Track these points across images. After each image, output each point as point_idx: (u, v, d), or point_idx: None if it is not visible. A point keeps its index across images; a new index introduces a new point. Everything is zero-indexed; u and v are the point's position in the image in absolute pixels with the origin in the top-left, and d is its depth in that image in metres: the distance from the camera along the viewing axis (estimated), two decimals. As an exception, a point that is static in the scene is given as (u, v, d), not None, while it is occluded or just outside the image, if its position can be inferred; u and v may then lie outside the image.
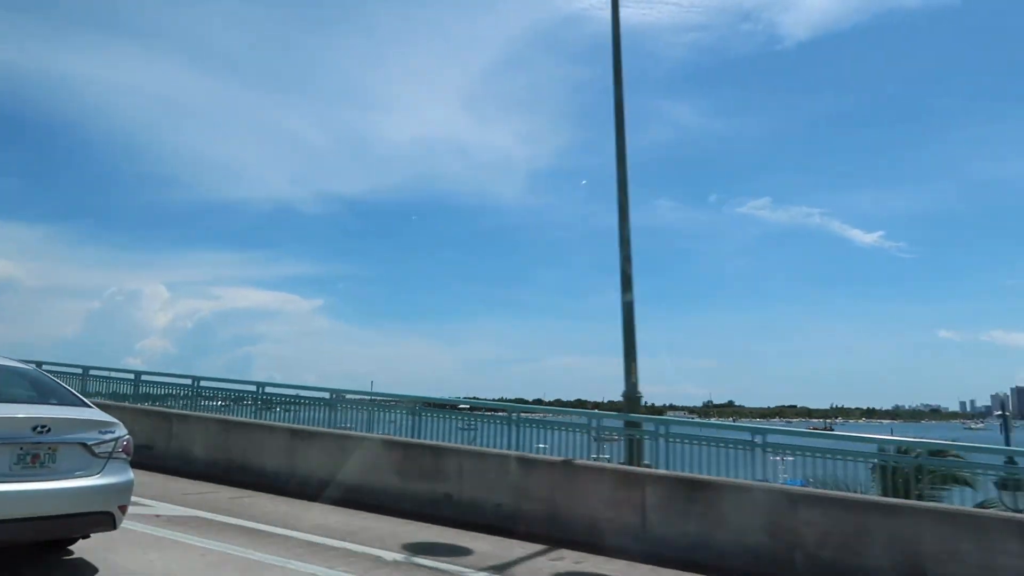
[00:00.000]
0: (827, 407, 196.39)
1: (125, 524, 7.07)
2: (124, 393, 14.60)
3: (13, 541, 5.11)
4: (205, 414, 12.13)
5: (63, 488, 5.07)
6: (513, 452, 9.54)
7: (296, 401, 12.71)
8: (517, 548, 7.75)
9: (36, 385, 5.96)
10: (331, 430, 11.01)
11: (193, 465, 10.95)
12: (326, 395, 12.47)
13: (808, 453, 8.51)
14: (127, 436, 5.70)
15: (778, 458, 8.89)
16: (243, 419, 11.77)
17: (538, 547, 7.84)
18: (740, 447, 8.88)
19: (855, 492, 8.34)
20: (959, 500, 8.94)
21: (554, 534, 8.22)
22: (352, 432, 10.89)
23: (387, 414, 11.73)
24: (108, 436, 5.50)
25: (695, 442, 9.16)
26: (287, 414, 12.73)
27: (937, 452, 9.52)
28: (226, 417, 11.82)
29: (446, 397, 13.47)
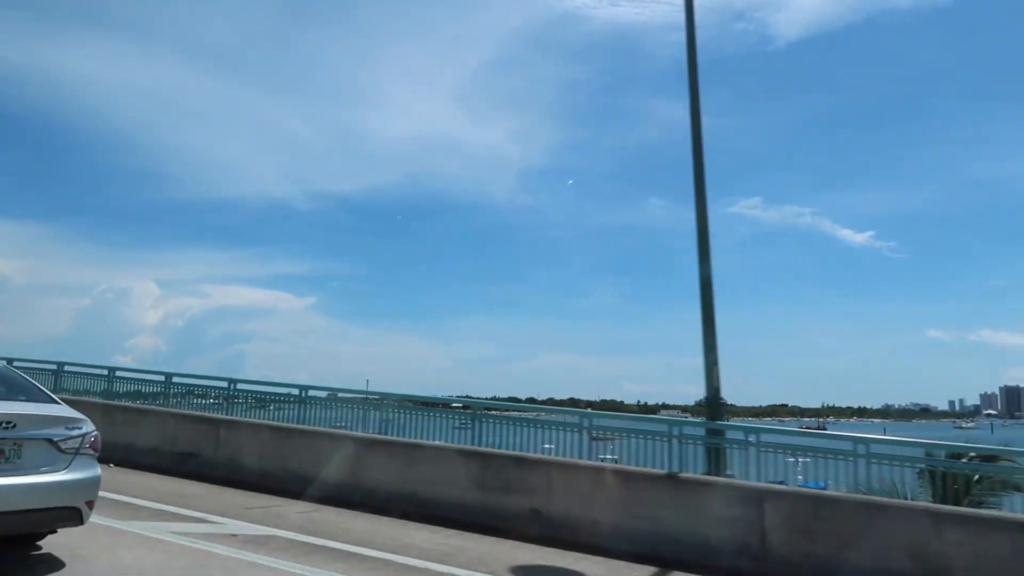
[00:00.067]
0: (819, 406, 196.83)
1: (210, 548, 6.44)
2: (150, 393, 13.79)
3: None
4: (257, 420, 11.35)
5: (28, 483, 5.05)
6: (608, 464, 8.88)
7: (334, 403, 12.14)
8: (629, 571, 7.13)
9: (4, 381, 5.93)
10: (401, 439, 10.26)
11: (244, 474, 10.22)
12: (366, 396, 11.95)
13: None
14: (95, 432, 5.68)
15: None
16: (302, 426, 10.99)
17: (651, 568, 7.24)
18: (842, 457, 8.33)
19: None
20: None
21: (662, 554, 7.58)
22: (423, 441, 10.17)
23: (443, 420, 11.12)
24: (75, 432, 5.48)
25: (789, 452, 8.65)
26: (326, 412, 11.98)
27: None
28: (280, 424, 11.02)
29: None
